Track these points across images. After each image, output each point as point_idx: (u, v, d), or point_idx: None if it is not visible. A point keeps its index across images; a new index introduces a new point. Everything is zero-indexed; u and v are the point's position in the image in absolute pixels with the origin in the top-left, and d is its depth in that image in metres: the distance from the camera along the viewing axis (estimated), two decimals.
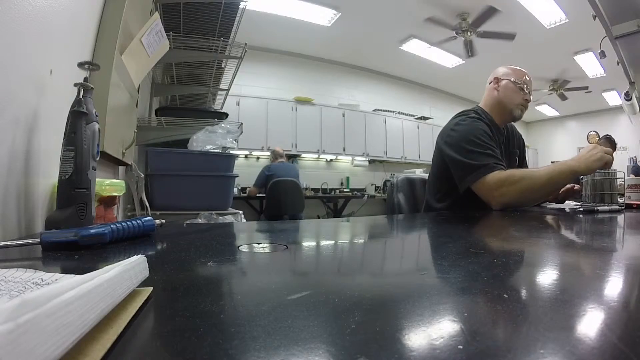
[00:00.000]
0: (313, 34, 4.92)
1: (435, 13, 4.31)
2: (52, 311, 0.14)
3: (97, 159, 0.61)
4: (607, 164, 1.06)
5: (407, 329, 0.21)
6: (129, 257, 0.26)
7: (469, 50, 4.88)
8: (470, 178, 1.15)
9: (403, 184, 1.53)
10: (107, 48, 1.02)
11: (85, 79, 0.60)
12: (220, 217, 1.38)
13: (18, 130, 0.59)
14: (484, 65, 5.76)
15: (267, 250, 0.48)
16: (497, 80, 1.37)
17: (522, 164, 1.50)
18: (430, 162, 1.39)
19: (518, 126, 1.51)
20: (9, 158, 0.56)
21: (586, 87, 6.07)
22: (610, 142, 3.15)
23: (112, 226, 0.47)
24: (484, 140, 1.18)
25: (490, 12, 4.16)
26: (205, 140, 1.58)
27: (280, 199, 3.71)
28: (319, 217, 3.94)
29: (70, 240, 0.43)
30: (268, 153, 5.28)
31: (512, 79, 1.34)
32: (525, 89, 1.33)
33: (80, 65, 0.62)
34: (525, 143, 1.58)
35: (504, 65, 1.41)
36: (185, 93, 2.69)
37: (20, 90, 0.59)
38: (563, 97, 6.50)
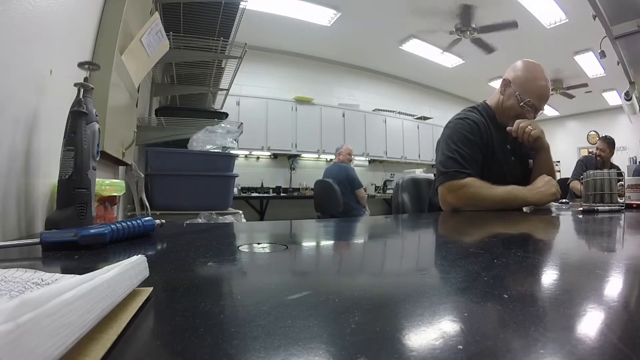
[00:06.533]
0: (313, 34, 4.92)
1: (435, 13, 4.31)
2: (52, 311, 0.14)
3: (97, 159, 0.61)
4: (556, 198, 1.14)
5: (407, 329, 0.21)
6: (129, 257, 0.25)
7: (481, 45, 4.88)
8: (437, 181, 1.20)
9: (408, 184, 1.54)
10: (107, 48, 1.02)
11: (85, 79, 0.60)
12: (220, 217, 1.38)
13: (18, 130, 0.59)
14: (484, 65, 5.80)
15: (267, 250, 0.48)
16: (506, 83, 1.25)
17: (541, 163, 1.28)
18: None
19: None
20: (9, 158, 0.56)
21: (586, 85, 6.07)
22: (608, 142, 3.17)
23: (112, 226, 0.47)
24: (458, 145, 1.17)
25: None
26: (205, 140, 1.58)
27: (315, 199, 4.01)
28: (318, 217, 3.98)
29: (70, 240, 0.43)
30: (268, 153, 5.29)
31: (517, 93, 1.20)
32: (528, 107, 1.19)
33: (80, 65, 0.62)
34: None
35: (523, 63, 1.25)
36: (185, 93, 2.69)
37: (20, 90, 0.59)
38: (570, 96, 6.48)
